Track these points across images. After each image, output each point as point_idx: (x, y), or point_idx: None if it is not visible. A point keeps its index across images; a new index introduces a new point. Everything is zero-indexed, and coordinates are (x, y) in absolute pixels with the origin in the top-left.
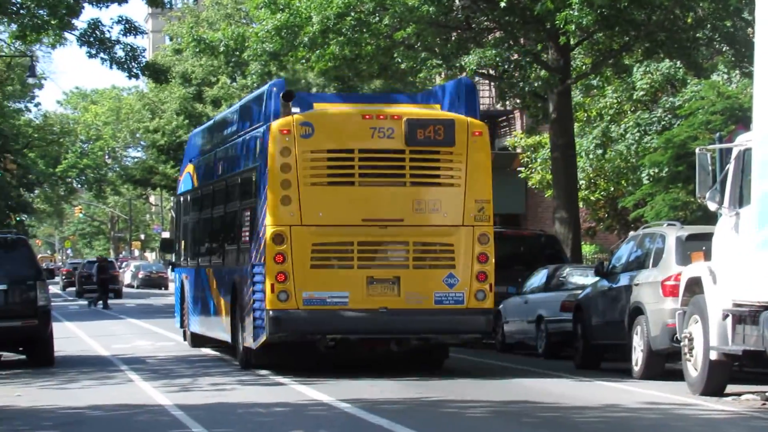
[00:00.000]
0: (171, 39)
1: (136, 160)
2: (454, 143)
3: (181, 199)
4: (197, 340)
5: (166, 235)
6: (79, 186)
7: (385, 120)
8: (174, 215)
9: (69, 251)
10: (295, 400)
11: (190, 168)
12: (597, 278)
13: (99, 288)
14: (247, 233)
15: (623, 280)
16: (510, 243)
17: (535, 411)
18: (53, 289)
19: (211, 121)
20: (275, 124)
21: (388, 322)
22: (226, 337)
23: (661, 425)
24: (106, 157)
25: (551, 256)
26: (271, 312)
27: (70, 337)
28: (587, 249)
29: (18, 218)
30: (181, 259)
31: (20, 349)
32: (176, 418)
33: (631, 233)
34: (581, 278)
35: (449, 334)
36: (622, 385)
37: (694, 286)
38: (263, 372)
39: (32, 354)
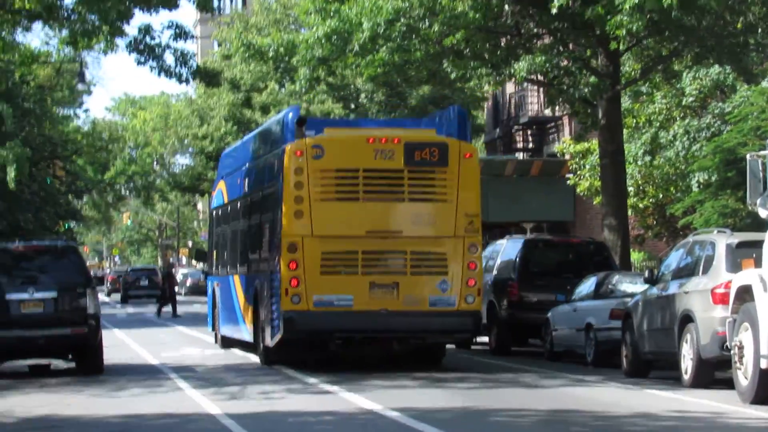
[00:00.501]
0: (219, 45)
1: (184, 166)
2: (448, 164)
3: (214, 213)
4: (226, 342)
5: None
6: (128, 193)
7: (387, 143)
8: (208, 227)
9: (117, 258)
10: (344, 408)
11: (221, 185)
12: (646, 286)
13: (170, 296)
14: (267, 244)
15: (672, 287)
16: (559, 250)
17: (584, 420)
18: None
19: (239, 142)
20: (290, 147)
21: (388, 322)
22: (249, 338)
23: None
24: (155, 163)
25: (600, 263)
26: (285, 313)
27: (118, 345)
28: (636, 256)
29: (66, 225)
30: (213, 268)
31: (69, 356)
32: (226, 427)
33: (681, 241)
34: (630, 286)
35: (442, 334)
36: (672, 393)
37: (745, 293)
38: (311, 380)
39: (81, 362)
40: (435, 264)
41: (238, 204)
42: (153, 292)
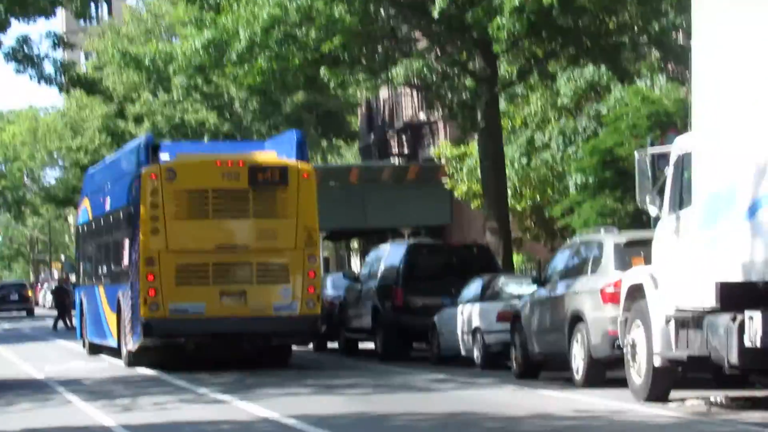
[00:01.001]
0: (87, 57)
1: (56, 180)
2: (288, 183)
3: (80, 228)
4: (94, 348)
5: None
6: None
7: (233, 166)
8: (74, 242)
9: None
10: (240, 417)
11: (86, 202)
12: (532, 288)
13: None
14: (128, 257)
15: (561, 288)
16: (442, 254)
17: (480, 422)
18: None
19: (101, 163)
20: (145, 170)
21: (236, 327)
22: (114, 343)
23: None
24: (25, 177)
25: (484, 266)
26: (144, 319)
27: None
28: (515, 259)
29: None
30: (81, 279)
31: None
32: None
33: (568, 240)
34: (516, 288)
35: (285, 335)
36: (565, 393)
37: (635, 292)
38: (202, 390)
39: None
40: (278, 274)
41: (102, 221)
42: (23, 306)
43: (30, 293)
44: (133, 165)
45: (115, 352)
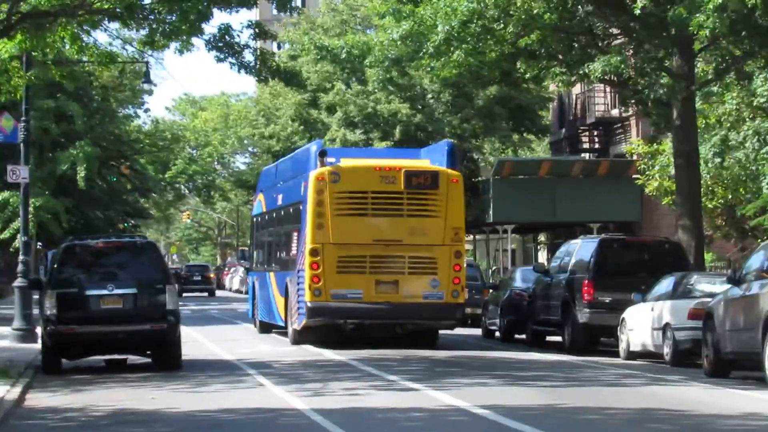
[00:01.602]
0: (279, 46)
1: (250, 165)
2: (438, 187)
3: (254, 219)
4: (264, 327)
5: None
6: (188, 192)
7: (390, 171)
8: (250, 231)
9: (175, 256)
10: (431, 405)
11: (260, 196)
12: (725, 286)
13: None
14: (295, 247)
15: (755, 287)
16: (634, 250)
17: (676, 419)
18: None
19: (275, 164)
20: (313, 173)
21: (390, 311)
22: (282, 323)
23: None
24: (215, 163)
25: (675, 263)
26: (308, 303)
27: (191, 341)
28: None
29: (127, 223)
30: (254, 265)
31: (148, 352)
32: (317, 422)
33: (760, 241)
34: (708, 286)
35: (432, 320)
36: (758, 393)
37: None
38: (392, 377)
39: (160, 358)
40: (427, 266)
41: (274, 214)
42: (206, 287)
43: (212, 275)
44: (304, 168)
45: (282, 332)
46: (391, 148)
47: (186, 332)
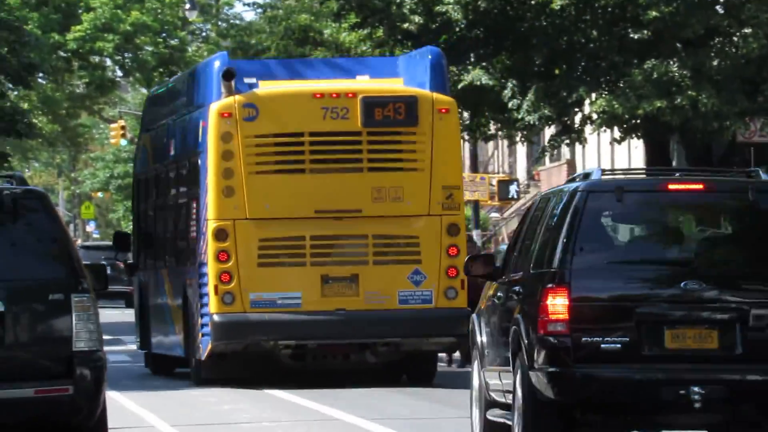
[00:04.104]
0: None
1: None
2: (417, 123)
3: (138, 180)
4: (159, 364)
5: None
6: (120, 74)
7: (339, 99)
8: (132, 202)
9: (91, 225)
10: None
11: (146, 140)
12: None
13: None
14: (194, 229)
15: None
16: None
17: None
18: None
19: (166, 84)
20: (215, 107)
21: (347, 326)
22: (180, 351)
23: None
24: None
25: None
26: (214, 316)
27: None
28: None
29: None
30: (139, 259)
31: None
32: None
33: None
34: None
35: (417, 338)
36: None
37: None
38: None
39: None
40: (405, 250)
41: (163, 173)
42: (119, 288)
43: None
44: (202, 95)
45: (182, 364)
46: (341, 58)
47: None
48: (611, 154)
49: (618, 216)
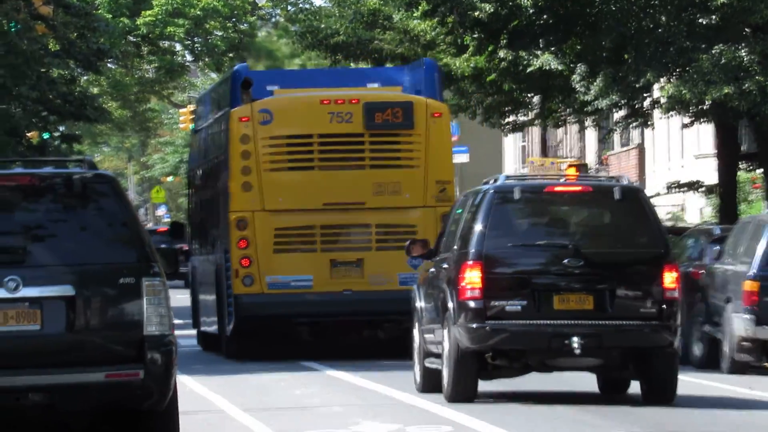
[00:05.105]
0: None
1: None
2: (413, 125)
3: (190, 174)
4: (207, 341)
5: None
6: (190, 59)
7: (344, 104)
8: (187, 193)
9: (162, 209)
10: None
11: (194, 140)
12: None
13: None
14: (220, 220)
15: None
16: None
17: None
18: None
19: (209, 89)
20: (234, 112)
21: (353, 304)
22: (215, 328)
23: None
24: None
25: None
26: (236, 296)
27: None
28: None
29: (48, 132)
30: (193, 245)
31: None
32: None
33: None
34: None
35: None
36: None
37: None
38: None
39: None
40: (404, 238)
41: (204, 168)
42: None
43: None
44: (224, 103)
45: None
46: (346, 68)
47: None
48: (681, 138)
49: (518, 210)
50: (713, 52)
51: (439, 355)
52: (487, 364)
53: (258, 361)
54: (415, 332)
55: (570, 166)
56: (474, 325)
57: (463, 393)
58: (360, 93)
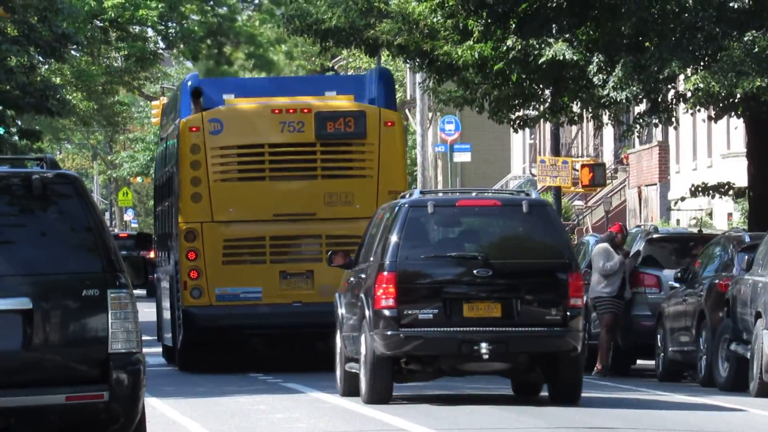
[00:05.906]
0: None
1: None
2: (366, 135)
3: (157, 179)
4: (169, 352)
5: None
6: (162, 47)
7: (295, 114)
8: (153, 199)
9: (129, 213)
10: None
11: (157, 148)
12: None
13: None
14: (170, 231)
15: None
16: None
17: None
18: None
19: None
20: (184, 122)
21: (303, 316)
22: (170, 340)
23: None
24: None
25: None
26: (184, 309)
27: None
28: None
29: (4, 128)
30: (158, 254)
31: None
32: None
33: None
34: None
35: None
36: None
37: None
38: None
39: None
40: (355, 249)
41: (162, 180)
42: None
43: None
44: (175, 113)
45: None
46: (299, 76)
47: None
48: (707, 135)
49: (432, 224)
50: (745, 39)
51: (357, 360)
52: (402, 369)
53: (210, 373)
54: (338, 339)
55: (584, 166)
56: (389, 333)
57: (379, 395)
58: (311, 102)
